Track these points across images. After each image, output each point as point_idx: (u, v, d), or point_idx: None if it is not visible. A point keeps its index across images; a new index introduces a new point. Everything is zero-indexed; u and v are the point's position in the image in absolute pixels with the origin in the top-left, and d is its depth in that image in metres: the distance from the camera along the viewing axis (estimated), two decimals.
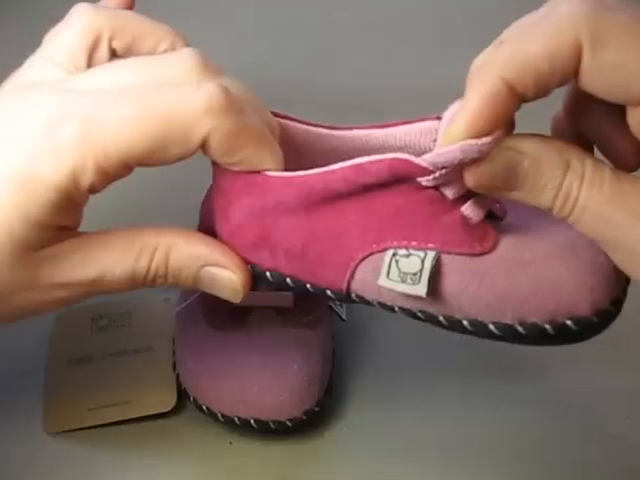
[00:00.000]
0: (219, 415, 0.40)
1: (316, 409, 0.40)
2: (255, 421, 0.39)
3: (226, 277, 0.33)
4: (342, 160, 0.31)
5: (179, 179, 0.54)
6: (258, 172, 0.32)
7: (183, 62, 0.31)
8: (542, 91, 0.27)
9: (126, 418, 0.41)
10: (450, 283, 0.30)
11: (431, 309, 0.31)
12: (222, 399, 0.40)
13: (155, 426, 0.41)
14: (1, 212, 0.29)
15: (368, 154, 0.30)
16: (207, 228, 0.44)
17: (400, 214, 0.30)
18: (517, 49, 0.27)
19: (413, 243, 0.30)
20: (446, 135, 0.28)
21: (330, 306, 0.43)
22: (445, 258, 0.30)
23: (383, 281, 0.30)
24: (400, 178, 0.30)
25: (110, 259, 0.31)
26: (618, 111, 0.28)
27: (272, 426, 0.39)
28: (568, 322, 0.30)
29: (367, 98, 0.63)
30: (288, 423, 0.39)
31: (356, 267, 0.32)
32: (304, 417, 0.40)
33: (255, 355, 0.40)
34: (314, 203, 0.31)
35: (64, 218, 0.31)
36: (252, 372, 0.40)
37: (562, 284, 0.30)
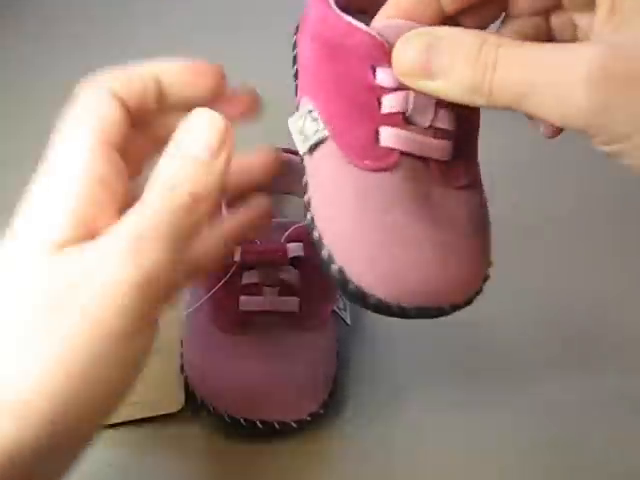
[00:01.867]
0: (225, 416, 0.41)
1: (320, 411, 0.41)
2: (260, 422, 0.40)
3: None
4: None
5: None
6: None
7: None
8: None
9: (135, 418, 0.42)
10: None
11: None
12: (228, 400, 0.41)
13: (163, 426, 0.42)
14: None
15: None
16: None
17: (335, 80, 0.31)
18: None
19: (323, 113, 0.31)
20: None
21: (334, 311, 0.44)
22: (333, 147, 0.31)
23: (290, 120, 0.32)
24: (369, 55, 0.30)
25: None
26: None
27: (277, 427, 0.40)
28: (404, 305, 0.30)
29: None
30: (293, 424, 0.41)
31: (299, 101, 0.33)
32: (309, 418, 0.41)
33: (261, 358, 0.41)
34: (311, 36, 0.32)
35: None
36: (258, 374, 0.41)
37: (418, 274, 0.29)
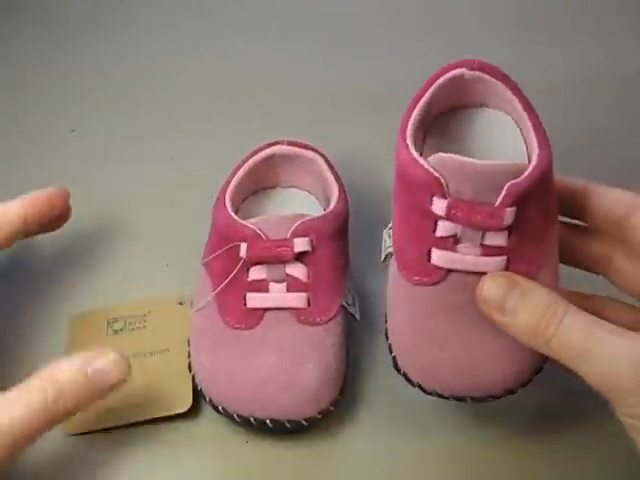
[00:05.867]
0: (235, 415, 0.40)
1: (331, 408, 0.41)
2: (271, 421, 0.40)
3: (106, 362, 0.37)
4: None
5: (193, 177, 0.55)
6: None
7: None
8: None
9: (143, 419, 0.42)
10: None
11: None
12: (238, 399, 0.40)
13: (172, 427, 0.42)
14: None
15: None
16: (219, 227, 0.45)
17: (402, 203, 0.36)
18: None
19: (393, 232, 0.38)
20: None
21: (343, 306, 0.43)
22: (394, 261, 0.38)
23: (384, 232, 0.40)
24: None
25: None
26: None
27: (288, 425, 0.40)
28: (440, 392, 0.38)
29: (371, 96, 0.64)
30: (304, 422, 0.40)
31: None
32: (319, 416, 0.40)
33: (270, 355, 0.41)
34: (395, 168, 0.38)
35: None
36: (267, 372, 0.40)
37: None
